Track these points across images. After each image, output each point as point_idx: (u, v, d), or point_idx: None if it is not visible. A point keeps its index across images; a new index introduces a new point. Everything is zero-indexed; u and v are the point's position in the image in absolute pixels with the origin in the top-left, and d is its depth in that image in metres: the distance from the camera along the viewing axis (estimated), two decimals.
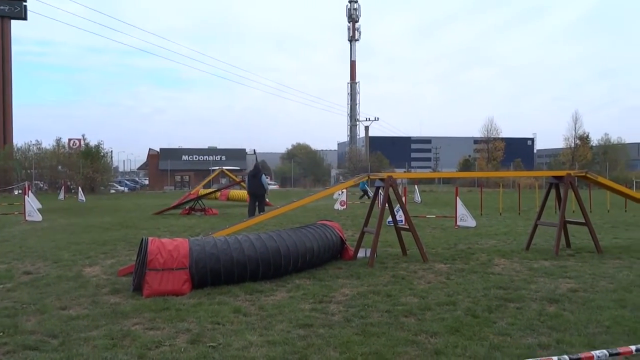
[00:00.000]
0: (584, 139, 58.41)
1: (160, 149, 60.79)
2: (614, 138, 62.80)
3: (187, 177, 53.55)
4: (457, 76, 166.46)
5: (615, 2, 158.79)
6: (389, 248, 8.78)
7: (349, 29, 73.93)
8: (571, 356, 2.21)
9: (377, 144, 74.68)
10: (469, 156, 68.38)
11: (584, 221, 8.30)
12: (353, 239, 9.38)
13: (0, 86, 40.30)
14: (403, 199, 9.71)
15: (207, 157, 58.55)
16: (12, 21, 41.40)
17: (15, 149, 39.74)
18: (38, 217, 14.59)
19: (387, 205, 7.94)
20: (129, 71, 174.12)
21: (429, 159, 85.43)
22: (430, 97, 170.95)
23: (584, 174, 8.75)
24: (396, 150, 78.77)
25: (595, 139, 61.16)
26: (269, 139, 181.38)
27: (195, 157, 60.04)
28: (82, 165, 37.93)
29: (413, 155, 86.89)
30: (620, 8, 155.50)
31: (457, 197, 12.61)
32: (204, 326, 4.39)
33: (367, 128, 70.82)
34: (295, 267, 6.52)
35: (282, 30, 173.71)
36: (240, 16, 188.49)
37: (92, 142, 41.57)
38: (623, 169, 50.69)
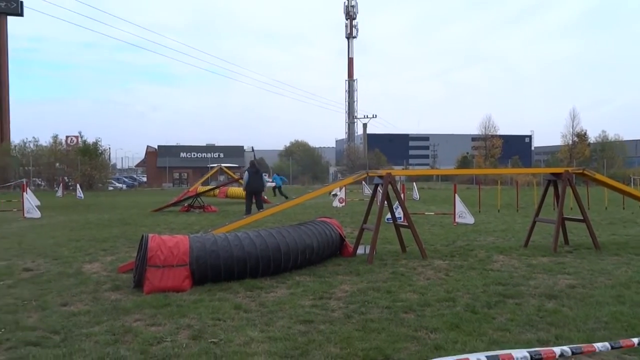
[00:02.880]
0: (581, 136, 58.49)
1: (159, 146, 60.69)
2: (611, 135, 62.94)
3: (186, 174, 53.57)
4: (454, 73, 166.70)
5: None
6: (388, 245, 8.81)
7: (346, 26, 73.72)
8: (572, 347, 2.23)
9: (375, 141, 74.63)
10: (467, 153, 68.41)
11: (582, 218, 8.34)
12: (352, 235, 9.41)
13: None
14: (402, 196, 9.73)
15: (205, 154, 58.43)
16: (8, 17, 41.22)
17: (13, 146, 39.63)
18: (37, 214, 14.57)
19: (386, 202, 7.96)
20: (122, 67, 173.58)
21: (427, 156, 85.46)
22: (428, 94, 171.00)
23: (581, 171, 8.78)
24: (394, 147, 78.73)
25: (592, 136, 61.31)
26: (266, 136, 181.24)
27: (193, 155, 59.93)
28: (80, 162, 37.88)
29: (411, 152, 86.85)
30: (618, 5, 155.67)
31: (456, 194, 12.65)
32: (205, 322, 4.41)
33: (365, 125, 70.87)
34: (295, 263, 6.55)
35: (277, 26, 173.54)
36: (234, 11, 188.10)
37: (89, 139, 41.53)
38: (621, 166, 50.84)
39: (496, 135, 63.54)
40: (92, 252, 8.14)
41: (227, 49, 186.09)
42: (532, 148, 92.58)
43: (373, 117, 69.59)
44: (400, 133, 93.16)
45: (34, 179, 38.49)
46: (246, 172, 14.81)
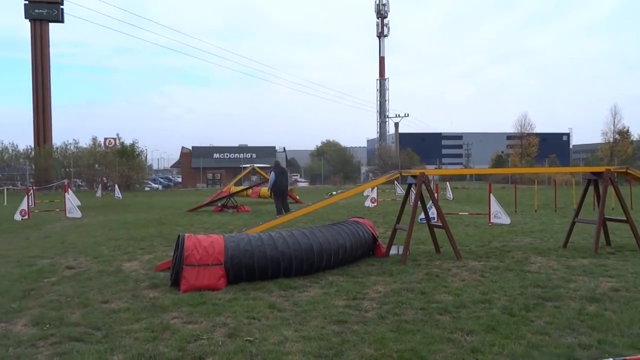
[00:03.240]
0: (623, 134, 56.37)
1: (193, 147, 61.83)
2: None
3: (219, 174, 54.34)
4: (487, 71, 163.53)
5: None
6: (422, 245, 8.72)
7: (377, 24, 73.26)
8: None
9: (407, 140, 73.95)
10: (502, 152, 66.95)
11: (624, 218, 8.04)
12: (384, 236, 9.36)
13: (39, 88, 41.70)
14: (435, 196, 9.61)
15: (237, 155, 59.16)
16: (50, 24, 42.75)
17: (55, 148, 41.10)
18: (78, 214, 15.09)
19: (419, 202, 7.88)
20: (158, 70, 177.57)
21: (460, 156, 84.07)
22: (461, 92, 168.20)
23: (625, 170, 8.47)
24: (426, 146, 77.83)
25: (636, 133, 59.03)
26: (298, 136, 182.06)
27: (227, 155, 60.80)
28: (118, 164, 38.98)
29: (444, 151, 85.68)
30: None
31: (491, 194, 12.40)
32: (240, 321, 4.47)
33: (396, 124, 70.22)
34: (328, 263, 6.56)
35: (309, 27, 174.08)
36: (267, 14, 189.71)
37: (127, 141, 42.72)
38: None
39: (532, 134, 61.96)
40: (131, 251, 8.37)
41: (260, 50, 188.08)
42: (571, 146, 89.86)
43: (405, 116, 68.91)
44: (433, 132, 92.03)
45: (74, 179, 39.80)
46: (272, 173, 14.95)
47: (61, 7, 42.23)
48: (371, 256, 7.66)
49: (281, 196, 14.39)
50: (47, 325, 4.37)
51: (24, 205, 14.72)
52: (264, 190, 23.51)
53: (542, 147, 61.23)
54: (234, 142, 66.65)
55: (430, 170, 11.83)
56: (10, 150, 40.63)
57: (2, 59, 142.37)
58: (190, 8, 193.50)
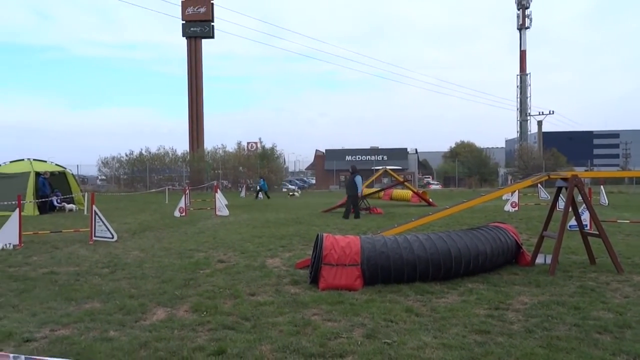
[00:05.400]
0: None
1: (326, 150, 63.85)
2: None
3: None
4: None
5: None
6: (572, 255, 7.94)
7: (518, 16, 68.55)
8: None
9: (552, 139, 67.97)
10: None
11: None
12: (528, 243, 8.72)
13: (194, 98, 46.53)
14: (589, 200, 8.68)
15: (369, 157, 59.64)
16: (202, 40, 47.45)
17: (206, 152, 45.53)
18: (226, 212, 16.51)
19: (570, 207, 7.18)
20: (294, 77, 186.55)
21: (616, 156, 74.94)
22: (616, 86, 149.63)
23: None
24: (575, 146, 70.74)
25: None
26: (430, 137, 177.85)
27: (358, 157, 61.60)
28: (259, 166, 41.83)
29: (596, 151, 77.19)
30: None
31: None
32: (377, 322, 4.50)
33: (540, 123, 64.91)
34: (467, 269, 6.30)
35: (441, 25, 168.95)
36: (397, 14, 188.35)
37: (267, 145, 45.67)
38: None
39: None
40: (273, 248, 8.91)
41: (391, 52, 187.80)
42: None
43: (549, 113, 63.45)
44: (582, 130, 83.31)
45: (221, 181, 43.62)
46: (358, 176, 15.28)
47: (212, 24, 46.63)
48: (514, 264, 7.18)
49: (356, 199, 15.05)
50: (204, 313, 4.84)
51: (181, 204, 16.52)
52: (396, 192, 23.45)
53: None
54: (366, 144, 67.44)
55: (584, 172, 10.72)
56: (170, 155, 46.02)
57: (164, 74, 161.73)
58: (322, 15, 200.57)
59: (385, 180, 38.42)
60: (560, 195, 7.95)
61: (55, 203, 18.33)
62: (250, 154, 45.35)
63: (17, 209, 9.47)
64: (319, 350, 3.80)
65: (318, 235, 6.11)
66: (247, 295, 5.51)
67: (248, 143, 47.14)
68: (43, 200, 16.95)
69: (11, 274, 6.82)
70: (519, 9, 68.49)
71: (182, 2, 45.95)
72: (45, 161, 19.57)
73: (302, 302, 5.17)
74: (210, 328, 4.40)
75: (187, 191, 18.99)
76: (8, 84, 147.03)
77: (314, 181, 63.28)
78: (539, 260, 7.24)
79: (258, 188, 30.08)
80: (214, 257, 8.01)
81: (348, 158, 61.82)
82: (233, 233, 11.36)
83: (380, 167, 31.03)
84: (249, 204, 24.16)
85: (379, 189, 22.83)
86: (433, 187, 49.96)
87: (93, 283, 6.22)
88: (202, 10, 45.82)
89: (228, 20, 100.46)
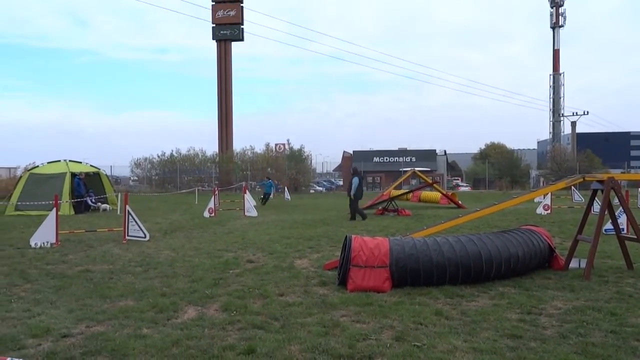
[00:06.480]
0: None
1: (354, 151, 63.66)
2: None
3: (379, 178, 55.07)
4: None
5: None
6: (608, 260, 7.71)
7: (551, 14, 66.95)
8: None
9: (586, 141, 66.09)
10: None
11: None
12: (561, 247, 8.52)
13: (223, 101, 47.15)
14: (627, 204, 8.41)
15: (397, 158, 59.27)
16: (232, 43, 48.04)
17: (235, 154, 46.05)
18: (254, 213, 16.66)
19: (607, 210, 6.97)
20: (323, 79, 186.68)
21: None
22: None
23: None
24: (610, 147, 68.61)
25: None
26: (460, 138, 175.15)
27: (386, 159, 61.28)
28: (287, 167, 42.07)
29: (633, 153, 74.54)
30: None
31: None
32: (406, 325, 4.47)
33: (573, 123, 63.19)
34: (498, 273, 6.19)
35: (471, 24, 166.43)
36: (426, 14, 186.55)
37: (295, 146, 45.90)
38: None
39: None
40: (301, 249, 8.95)
41: (420, 53, 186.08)
42: None
43: (584, 114, 61.73)
44: (619, 131, 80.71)
45: (250, 182, 44.06)
46: (356, 178, 15.23)
47: (241, 27, 47.18)
48: (547, 268, 7.02)
49: (353, 201, 15.08)
50: (234, 312, 4.91)
51: (211, 204, 16.75)
52: (425, 193, 23.20)
53: None
54: (394, 146, 66.88)
55: (619, 174, 10.41)
56: (200, 156, 46.74)
57: (194, 76, 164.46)
58: (351, 16, 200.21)
59: (413, 181, 38.10)
60: (596, 198, 7.73)
61: (90, 203, 18.87)
62: (278, 155, 45.65)
63: (54, 209, 9.79)
64: (348, 352, 3.80)
65: (346, 236, 6.11)
66: (276, 296, 5.55)
67: (276, 144, 47.47)
68: (78, 200, 17.47)
69: (49, 271, 7.06)
70: (552, 7, 66.89)
71: (212, 5, 46.64)
72: (81, 162, 20.18)
73: (330, 303, 5.18)
74: (240, 327, 4.46)
75: (217, 192, 19.24)
76: (46, 88, 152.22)
77: (341, 182, 63.21)
78: (573, 264, 7.06)
79: (262, 188, 27.48)
80: (243, 257, 8.10)
81: (376, 159, 61.60)
82: (261, 234, 11.45)
83: (409, 169, 30.77)
84: (277, 205, 24.32)
85: (407, 190, 22.61)
86: (462, 189, 49.23)
87: (126, 281, 6.38)
88: (232, 13, 46.39)
89: (257, 23, 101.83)
